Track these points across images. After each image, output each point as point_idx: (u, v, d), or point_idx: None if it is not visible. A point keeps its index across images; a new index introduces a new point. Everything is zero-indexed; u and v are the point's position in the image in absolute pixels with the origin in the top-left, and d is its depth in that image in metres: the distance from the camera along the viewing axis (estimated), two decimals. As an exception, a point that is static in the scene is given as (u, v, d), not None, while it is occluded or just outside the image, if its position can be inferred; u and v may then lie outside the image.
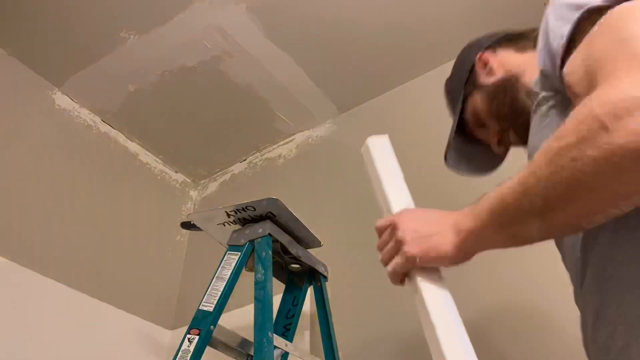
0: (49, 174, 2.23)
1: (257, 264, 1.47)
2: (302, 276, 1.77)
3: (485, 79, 1.15)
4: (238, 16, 2.13)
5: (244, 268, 1.50)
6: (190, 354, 1.33)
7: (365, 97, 2.53)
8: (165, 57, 2.29)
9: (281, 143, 2.72)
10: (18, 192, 2.09)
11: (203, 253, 2.59)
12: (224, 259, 1.51)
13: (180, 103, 2.50)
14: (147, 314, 2.32)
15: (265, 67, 2.35)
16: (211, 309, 1.40)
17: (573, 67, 0.68)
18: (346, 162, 2.43)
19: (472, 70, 1.18)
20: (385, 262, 0.93)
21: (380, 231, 1.00)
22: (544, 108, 0.80)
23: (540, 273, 1.61)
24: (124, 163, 2.61)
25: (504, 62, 1.12)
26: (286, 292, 1.78)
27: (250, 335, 1.42)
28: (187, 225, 1.74)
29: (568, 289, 0.90)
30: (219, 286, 1.45)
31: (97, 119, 2.56)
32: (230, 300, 1.48)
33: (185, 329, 1.41)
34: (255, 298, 1.41)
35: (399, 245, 0.89)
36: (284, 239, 1.60)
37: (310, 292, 1.83)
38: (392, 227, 0.94)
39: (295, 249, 1.64)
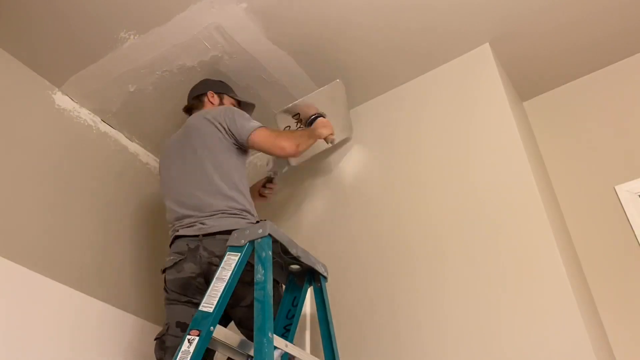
0: (49, 174, 2.23)
1: (256, 264, 1.47)
2: (302, 276, 1.77)
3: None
4: (238, 16, 2.13)
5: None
6: (190, 355, 1.33)
7: (365, 97, 2.53)
8: (165, 57, 2.29)
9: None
10: (18, 191, 2.09)
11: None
12: (224, 259, 1.51)
13: (180, 103, 2.49)
14: (148, 315, 2.32)
15: (265, 67, 2.35)
16: (211, 310, 1.40)
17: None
18: (347, 161, 2.43)
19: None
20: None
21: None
22: None
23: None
24: (124, 163, 2.61)
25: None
26: (286, 293, 1.77)
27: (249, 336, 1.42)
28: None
29: None
30: (219, 287, 1.45)
31: (97, 119, 2.56)
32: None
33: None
34: (255, 298, 1.41)
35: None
36: (284, 239, 1.60)
37: (310, 293, 1.83)
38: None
39: (295, 249, 1.64)
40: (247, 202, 1.87)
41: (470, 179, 2.03)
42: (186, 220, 1.83)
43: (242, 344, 1.50)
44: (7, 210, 2.02)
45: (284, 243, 1.59)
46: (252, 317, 1.41)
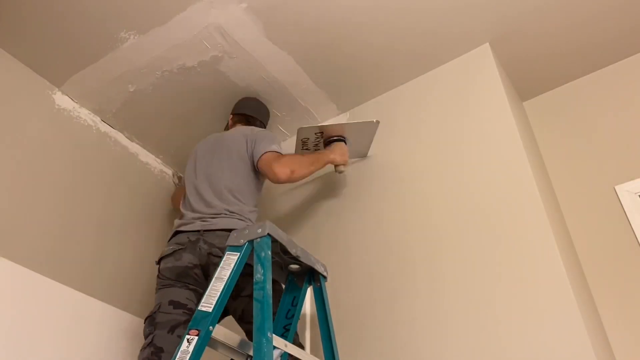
0: (49, 174, 2.23)
1: (256, 264, 1.47)
2: (301, 276, 1.77)
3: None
4: (238, 16, 2.13)
5: None
6: (189, 355, 1.33)
7: (365, 97, 2.53)
8: (165, 57, 2.29)
9: (282, 143, 2.72)
10: (18, 191, 2.09)
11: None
12: (224, 259, 1.51)
13: (180, 103, 2.50)
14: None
15: (265, 67, 2.35)
16: (210, 310, 1.40)
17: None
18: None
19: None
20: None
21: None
22: None
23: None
24: (124, 163, 2.62)
25: None
26: (285, 293, 1.77)
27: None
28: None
29: None
30: (218, 287, 1.45)
31: (97, 119, 2.56)
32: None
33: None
34: (255, 298, 1.41)
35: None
36: (283, 238, 1.60)
37: (310, 293, 1.83)
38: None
39: (294, 249, 1.64)
40: (250, 212, 1.95)
41: (470, 179, 2.03)
42: (192, 220, 1.91)
43: (241, 344, 1.50)
44: (7, 210, 2.02)
45: (284, 243, 1.59)
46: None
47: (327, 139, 2.26)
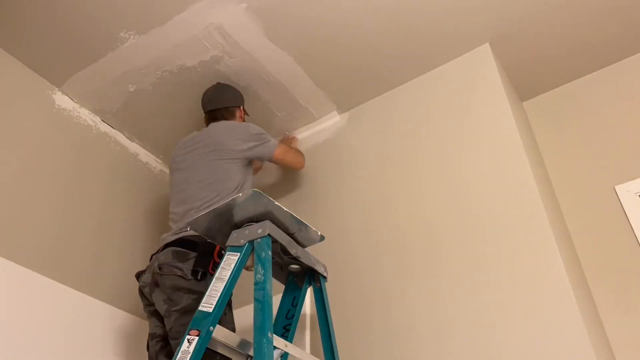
0: (49, 174, 2.23)
1: (256, 264, 1.47)
2: (301, 277, 1.77)
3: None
4: (238, 16, 2.12)
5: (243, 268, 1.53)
6: (189, 355, 1.33)
7: (365, 97, 2.53)
8: (165, 57, 2.28)
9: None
10: (18, 191, 2.09)
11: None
12: (224, 259, 1.51)
13: (180, 103, 2.50)
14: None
15: (265, 67, 2.34)
16: (211, 310, 1.40)
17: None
18: (348, 161, 2.43)
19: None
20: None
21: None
22: None
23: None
24: (124, 163, 2.61)
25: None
26: (286, 293, 1.77)
27: (249, 336, 1.42)
28: None
29: None
30: (219, 287, 1.45)
31: (97, 119, 2.56)
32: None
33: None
34: (255, 299, 1.41)
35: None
36: (284, 239, 1.60)
37: (310, 293, 1.83)
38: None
39: (294, 250, 1.64)
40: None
41: (470, 179, 2.03)
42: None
43: (241, 344, 1.50)
44: (7, 210, 2.02)
45: (284, 243, 1.59)
46: (186, 325, 1.47)
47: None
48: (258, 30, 2.19)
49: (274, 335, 1.36)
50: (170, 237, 1.87)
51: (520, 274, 1.76)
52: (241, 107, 2.30)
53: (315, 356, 1.68)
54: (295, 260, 1.67)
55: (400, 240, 2.06)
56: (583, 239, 2.11)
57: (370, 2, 2.10)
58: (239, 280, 1.49)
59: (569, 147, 2.34)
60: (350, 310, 2.01)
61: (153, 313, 1.87)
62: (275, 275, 1.69)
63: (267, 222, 1.54)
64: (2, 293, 1.87)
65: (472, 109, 2.19)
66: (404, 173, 2.22)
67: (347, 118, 2.57)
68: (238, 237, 1.55)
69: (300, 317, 1.78)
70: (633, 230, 2.02)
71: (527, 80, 2.47)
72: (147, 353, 1.87)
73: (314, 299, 1.77)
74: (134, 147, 2.69)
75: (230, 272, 1.47)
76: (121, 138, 2.64)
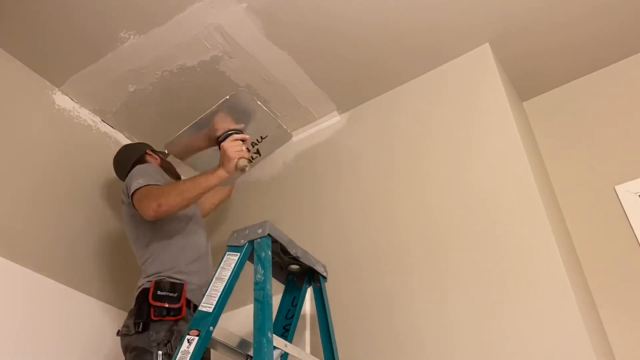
0: (48, 174, 2.23)
1: (256, 264, 1.47)
2: (301, 277, 1.77)
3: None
4: (238, 16, 2.13)
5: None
6: (189, 355, 1.33)
7: (365, 97, 2.53)
8: (165, 57, 2.29)
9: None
10: (17, 191, 2.09)
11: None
12: (224, 259, 1.51)
13: (180, 103, 2.50)
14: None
15: (265, 67, 2.34)
16: (210, 310, 1.40)
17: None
18: (348, 161, 2.43)
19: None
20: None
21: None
22: None
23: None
24: (124, 163, 2.61)
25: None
26: (285, 293, 1.78)
27: (249, 336, 1.42)
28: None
29: None
30: (219, 287, 1.45)
31: (97, 119, 2.56)
32: (230, 300, 1.48)
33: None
34: (255, 298, 1.41)
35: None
36: (284, 239, 1.60)
37: (309, 293, 1.83)
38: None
39: (294, 250, 1.64)
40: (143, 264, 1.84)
41: (470, 179, 2.03)
42: None
43: (241, 344, 1.50)
44: (7, 210, 2.02)
45: (284, 243, 1.59)
46: None
47: (218, 139, 1.88)
48: (258, 30, 2.19)
49: (273, 335, 1.36)
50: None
51: (519, 274, 1.76)
52: (146, 152, 2.16)
53: (315, 356, 1.68)
54: (295, 260, 1.67)
55: (400, 240, 2.06)
56: (583, 239, 2.11)
57: (370, 2, 2.10)
58: (238, 280, 1.49)
59: (569, 147, 2.34)
60: (350, 310, 2.01)
61: None
62: (275, 275, 1.69)
63: (267, 222, 1.54)
64: (2, 293, 1.87)
65: (472, 108, 2.18)
66: (404, 173, 2.22)
67: (347, 118, 2.57)
68: (238, 237, 1.55)
69: (300, 317, 1.78)
70: (633, 230, 2.02)
71: (527, 80, 2.47)
72: None
73: (313, 299, 1.77)
74: (134, 147, 2.69)
75: (230, 272, 1.47)
76: (121, 138, 2.64)
